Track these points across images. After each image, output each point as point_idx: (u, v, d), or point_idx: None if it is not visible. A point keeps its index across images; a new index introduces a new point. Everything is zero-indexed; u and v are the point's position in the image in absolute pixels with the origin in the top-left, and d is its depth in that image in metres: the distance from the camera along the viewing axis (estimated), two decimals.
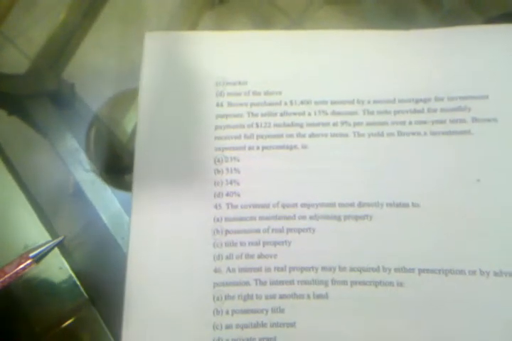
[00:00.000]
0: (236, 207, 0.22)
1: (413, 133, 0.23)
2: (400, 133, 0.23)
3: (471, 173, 0.22)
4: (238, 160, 0.23)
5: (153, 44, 0.26)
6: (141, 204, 0.23)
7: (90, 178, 0.27)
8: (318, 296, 0.21)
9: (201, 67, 0.25)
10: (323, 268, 0.21)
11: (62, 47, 0.30)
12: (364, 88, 0.24)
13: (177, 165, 0.23)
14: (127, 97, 0.28)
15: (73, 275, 0.25)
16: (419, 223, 0.21)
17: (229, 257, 0.21)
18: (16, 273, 0.23)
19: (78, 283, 0.25)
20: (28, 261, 0.24)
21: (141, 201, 0.23)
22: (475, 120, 0.23)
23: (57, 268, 0.25)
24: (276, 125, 0.24)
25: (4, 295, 0.24)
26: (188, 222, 0.22)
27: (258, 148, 0.23)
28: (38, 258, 0.24)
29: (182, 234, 0.22)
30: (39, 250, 0.24)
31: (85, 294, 0.25)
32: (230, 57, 0.26)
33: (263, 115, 0.24)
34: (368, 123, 0.23)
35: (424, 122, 0.23)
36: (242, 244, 0.22)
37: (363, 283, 0.21)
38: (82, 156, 0.27)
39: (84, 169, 0.27)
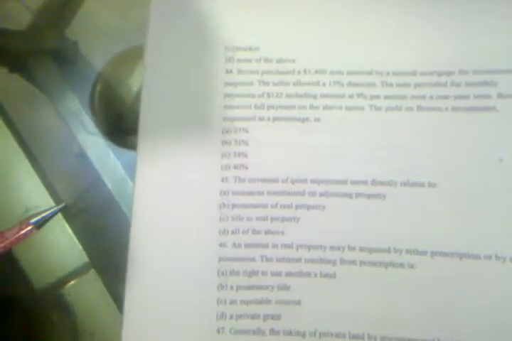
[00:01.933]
0: (243, 180, 0.22)
1: (433, 109, 0.22)
2: (420, 108, 0.22)
3: (494, 153, 0.21)
4: (247, 132, 0.22)
5: (161, 3, 0.24)
6: (145, 174, 0.22)
7: (93, 141, 0.26)
8: (326, 275, 0.20)
9: (210, 30, 0.24)
10: (332, 247, 0.21)
11: (64, 2, 0.29)
12: (383, 58, 0.23)
13: (183, 136, 0.22)
14: (132, 56, 0.27)
15: (75, 238, 0.25)
16: (434, 204, 0.21)
17: (235, 232, 0.21)
18: (17, 238, 0.23)
19: (80, 246, 0.25)
20: (29, 227, 0.24)
21: (145, 171, 0.22)
22: (500, 96, 0.22)
23: (60, 232, 0.25)
24: (288, 95, 0.23)
25: (5, 257, 0.24)
26: (194, 195, 0.22)
27: (269, 119, 0.22)
28: (39, 225, 0.24)
29: (188, 207, 0.22)
30: (40, 216, 0.24)
31: (87, 258, 0.25)
32: (241, 21, 0.24)
33: (275, 84, 0.23)
34: (386, 97, 0.22)
35: (446, 97, 0.22)
36: (248, 218, 0.21)
37: (373, 263, 0.20)
38: (86, 118, 0.27)
39: (88, 131, 0.26)
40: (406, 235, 0.21)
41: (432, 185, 0.21)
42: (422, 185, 0.21)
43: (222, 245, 0.21)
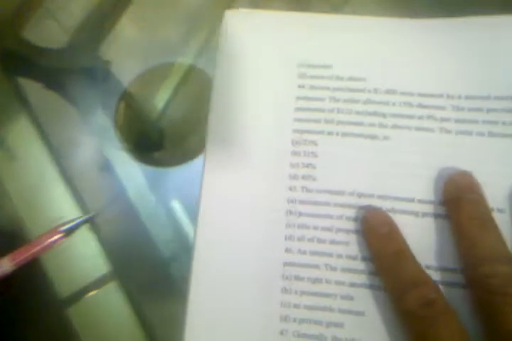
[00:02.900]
0: (311, 191, 0.22)
1: (505, 135, 0.22)
2: (491, 134, 0.22)
3: None
4: (316, 144, 0.23)
5: (233, 22, 0.25)
6: (211, 180, 0.23)
7: (120, 155, 0.27)
8: None
9: (282, 48, 0.25)
10: None
11: (99, 23, 0.30)
12: (456, 82, 0.23)
13: (253, 143, 0.23)
14: (157, 74, 0.28)
15: (100, 247, 0.26)
16: (501, 229, 0.20)
17: (300, 239, 0.21)
18: (47, 245, 0.24)
19: (104, 255, 0.25)
20: (59, 235, 0.25)
21: (211, 178, 0.23)
22: None
23: (86, 241, 0.26)
24: (357, 112, 0.23)
25: (33, 263, 0.25)
26: (262, 201, 0.22)
27: (338, 134, 0.23)
28: (67, 233, 0.25)
29: (255, 212, 0.22)
30: (69, 225, 0.25)
31: (111, 267, 0.25)
32: (315, 40, 0.25)
33: (345, 101, 0.23)
34: (457, 121, 0.22)
35: None
36: (314, 227, 0.22)
37: (441, 282, 0.20)
38: (113, 133, 0.28)
39: (114, 146, 0.27)
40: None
41: (500, 210, 0.21)
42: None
43: (287, 251, 0.21)
